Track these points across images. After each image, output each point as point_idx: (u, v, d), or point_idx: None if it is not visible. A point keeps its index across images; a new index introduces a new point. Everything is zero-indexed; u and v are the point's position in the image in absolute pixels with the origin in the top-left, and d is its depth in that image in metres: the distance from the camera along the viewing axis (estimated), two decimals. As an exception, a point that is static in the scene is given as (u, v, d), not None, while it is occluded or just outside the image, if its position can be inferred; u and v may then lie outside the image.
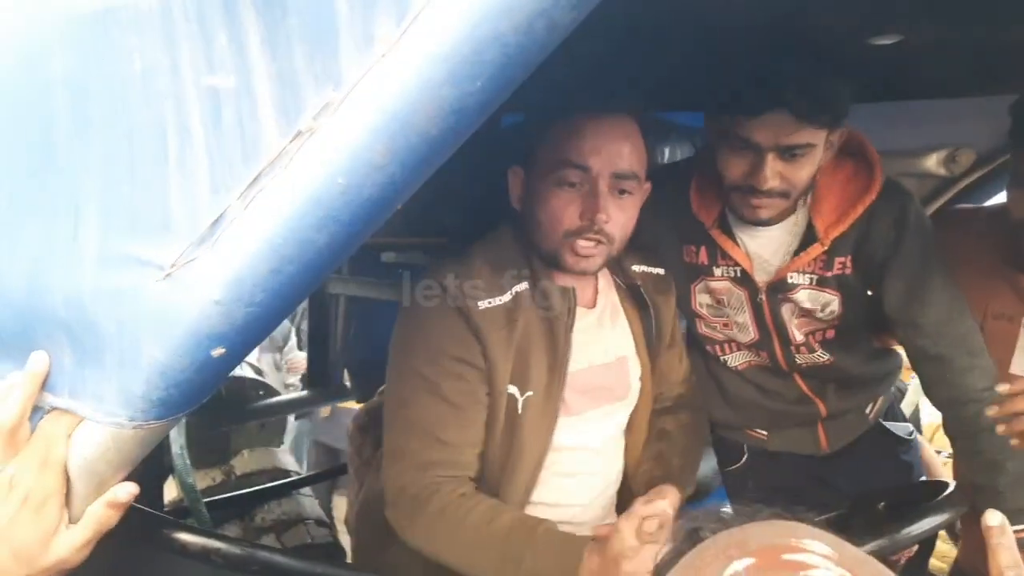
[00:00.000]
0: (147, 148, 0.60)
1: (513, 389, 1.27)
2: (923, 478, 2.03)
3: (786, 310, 1.55)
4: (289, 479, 2.17)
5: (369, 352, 2.46)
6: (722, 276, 1.55)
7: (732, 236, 1.50)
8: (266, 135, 0.54)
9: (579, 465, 1.37)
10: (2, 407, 0.70)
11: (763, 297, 1.53)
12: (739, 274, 1.53)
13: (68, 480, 0.70)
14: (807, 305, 1.53)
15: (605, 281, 1.43)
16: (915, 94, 1.75)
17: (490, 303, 1.25)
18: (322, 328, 2.53)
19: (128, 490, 0.72)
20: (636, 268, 1.44)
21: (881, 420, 1.89)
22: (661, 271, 1.48)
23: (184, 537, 0.96)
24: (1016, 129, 1.34)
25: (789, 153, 1.29)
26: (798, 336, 1.58)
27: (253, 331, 0.58)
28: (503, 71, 0.45)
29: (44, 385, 0.70)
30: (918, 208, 1.44)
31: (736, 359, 1.70)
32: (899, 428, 1.91)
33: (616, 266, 1.42)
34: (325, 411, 3.69)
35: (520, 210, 1.30)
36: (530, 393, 1.27)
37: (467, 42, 0.44)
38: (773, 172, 1.30)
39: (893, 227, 1.42)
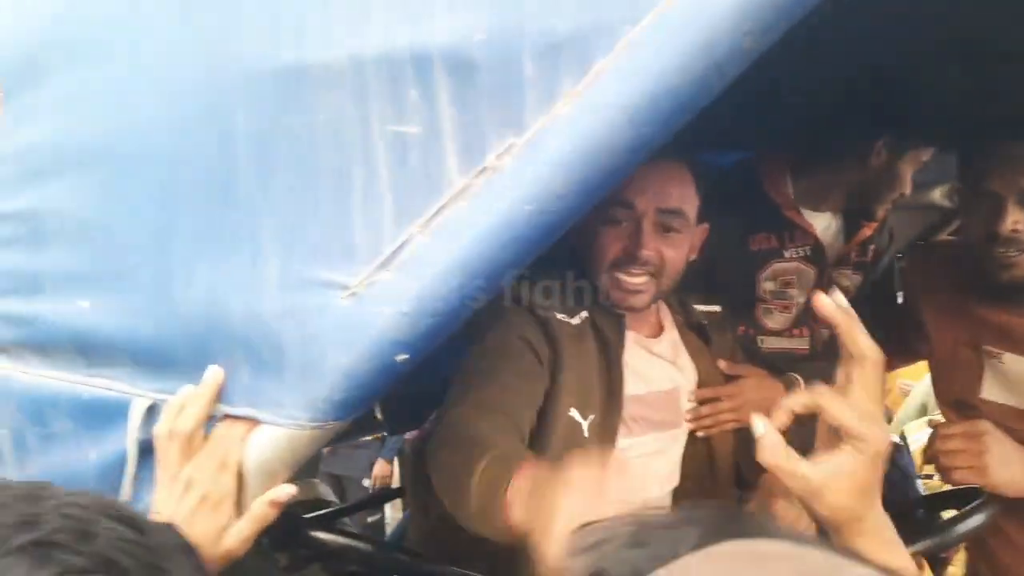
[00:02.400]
0: (330, 188, 0.71)
1: (574, 413, 1.31)
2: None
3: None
4: (335, 508, 2.24)
5: (400, 385, 2.53)
6: (791, 257, 1.71)
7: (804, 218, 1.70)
8: (449, 174, 0.65)
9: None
10: (180, 416, 0.80)
11: (828, 271, 1.72)
12: (809, 253, 1.70)
13: (241, 481, 0.79)
14: (847, 284, 1.74)
15: (668, 320, 1.49)
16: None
17: (565, 318, 1.33)
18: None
19: (288, 490, 0.81)
20: (699, 308, 1.52)
21: None
22: (718, 308, 1.56)
23: (324, 536, 1.05)
24: (964, 150, 1.47)
25: None
26: None
27: (434, 338, 0.69)
28: (675, 116, 0.56)
29: (218, 397, 0.80)
30: None
31: (774, 342, 1.80)
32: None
33: (679, 306, 1.50)
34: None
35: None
36: (593, 417, 1.31)
37: (646, 95, 0.56)
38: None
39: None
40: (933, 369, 1.71)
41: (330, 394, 0.72)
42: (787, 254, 1.71)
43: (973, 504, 1.37)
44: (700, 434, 1.45)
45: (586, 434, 1.31)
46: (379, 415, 2.71)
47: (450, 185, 0.65)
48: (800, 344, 1.81)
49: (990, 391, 1.52)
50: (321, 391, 0.72)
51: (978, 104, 1.49)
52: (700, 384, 1.47)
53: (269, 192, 0.75)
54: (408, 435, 3.74)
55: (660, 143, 0.59)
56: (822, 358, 1.76)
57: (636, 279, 1.30)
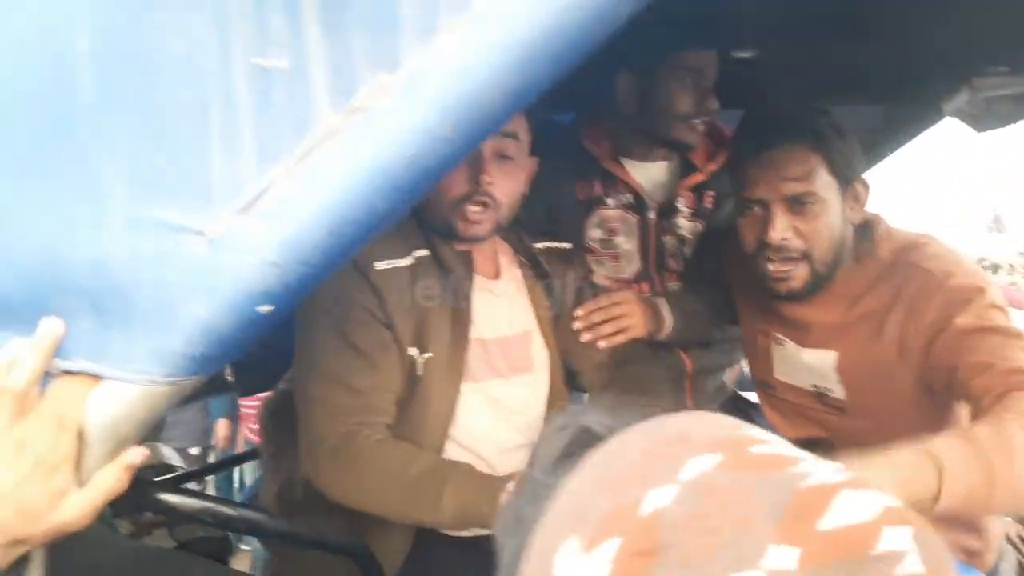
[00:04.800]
0: (184, 123, 0.65)
1: (413, 351, 1.31)
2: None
3: (668, 240, 1.82)
4: (180, 472, 2.14)
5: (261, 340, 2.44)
6: (615, 205, 1.77)
7: (623, 167, 1.76)
8: (318, 112, 0.61)
9: (488, 443, 1.41)
10: (12, 372, 0.72)
11: (652, 219, 1.78)
12: (631, 200, 1.77)
13: (82, 443, 0.73)
14: (684, 233, 1.81)
15: (507, 257, 1.51)
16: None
17: (389, 264, 1.31)
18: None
19: (141, 452, 0.76)
20: (539, 245, 1.55)
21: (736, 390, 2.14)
22: (567, 245, 1.61)
23: (175, 499, 0.99)
24: (731, 150, 1.54)
25: None
26: (672, 264, 1.84)
27: (303, 289, 0.65)
28: (563, 59, 0.55)
29: (56, 351, 0.73)
30: None
31: None
32: (752, 396, 2.14)
33: (518, 243, 1.52)
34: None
35: None
36: (430, 354, 1.31)
37: (531, 34, 0.54)
38: None
39: None
40: (744, 347, 1.82)
41: (186, 348, 0.67)
42: (609, 202, 1.78)
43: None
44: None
45: (419, 372, 1.31)
46: (229, 376, 2.61)
47: (319, 125, 0.61)
48: None
49: (780, 372, 1.63)
50: (176, 344, 0.67)
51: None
52: (539, 321, 1.51)
53: (115, 126, 0.68)
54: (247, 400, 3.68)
55: (549, 85, 0.57)
56: (675, 294, 1.84)
57: (479, 211, 1.32)
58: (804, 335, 1.55)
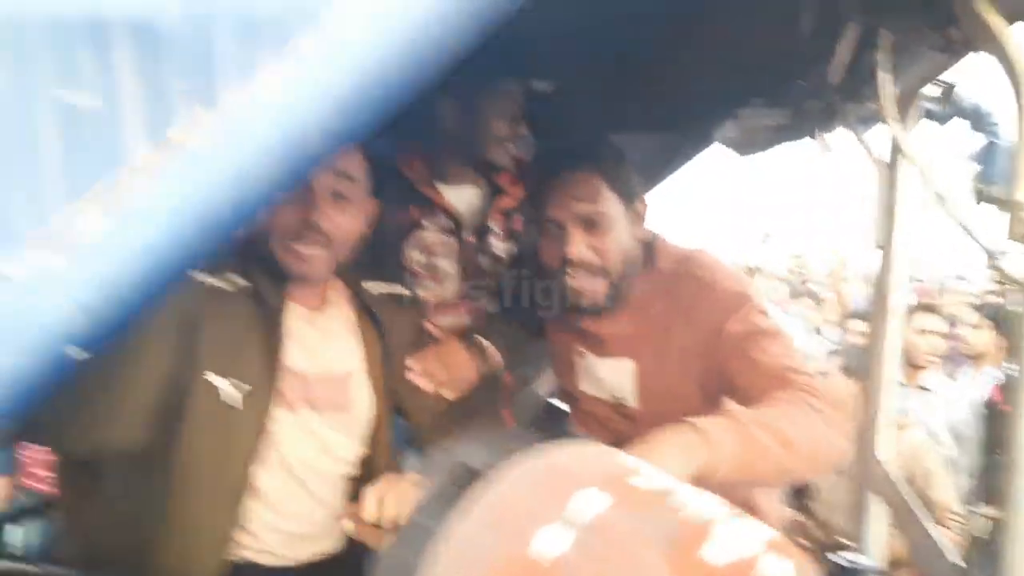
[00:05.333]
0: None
1: (212, 376, 1.25)
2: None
3: (483, 261, 1.92)
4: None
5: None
6: (433, 228, 1.87)
7: (438, 192, 1.85)
8: (130, 148, 0.60)
9: (309, 471, 1.38)
10: None
11: (469, 241, 1.89)
12: (448, 223, 1.87)
13: None
14: (499, 253, 1.92)
15: (339, 294, 1.50)
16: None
17: (211, 280, 1.28)
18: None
19: None
20: (373, 288, 1.55)
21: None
22: (401, 290, 1.63)
23: None
24: (531, 175, 1.69)
25: None
26: (489, 284, 1.93)
27: (114, 328, 0.63)
28: (381, 103, 0.57)
29: None
30: None
31: (441, 321, 1.92)
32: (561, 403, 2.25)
33: (356, 286, 1.52)
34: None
35: None
36: (234, 380, 1.26)
37: (351, 78, 0.56)
38: None
39: None
40: (551, 360, 1.91)
41: (-17, 395, 0.63)
42: (427, 224, 1.87)
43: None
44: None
45: (222, 398, 1.26)
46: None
47: (130, 161, 0.60)
48: (460, 320, 1.95)
49: (584, 385, 1.75)
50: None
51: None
52: (368, 364, 1.49)
53: None
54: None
55: (368, 126, 0.60)
56: (488, 328, 1.90)
57: (310, 249, 1.30)
58: (602, 346, 1.66)
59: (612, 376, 1.66)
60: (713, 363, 1.47)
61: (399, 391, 1.59)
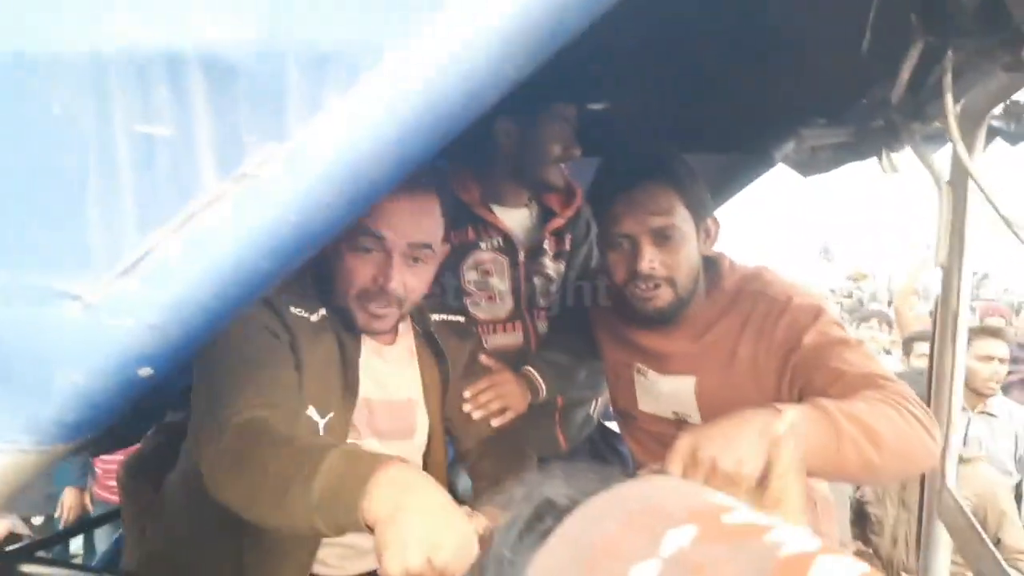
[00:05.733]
0: (62, 188, 0.64)
1: (313, 411, 1.32)
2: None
3: (537, 281, 1.95)
4: (37, 539, 1.99)
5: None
6: (488, 248, 1.89)
7: (493, 213, 1.88)
8: (202, 179, 0.62)
9: None
10: None
11: (522, 260, 1.91)
12: (501, 244, 1.89)
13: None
14: (551, 273, 1.95)
15: (404, 325, 1.53)
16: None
17: (301, 312, 1.32)
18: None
19: (7, 526, 0.73)
20: (435, 317, 1.58)
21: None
22: (460, 319, 1.64)
23: (34, 570, 0.93)
24: (594, 192, 1.64)
25: None
26: (541, 302, 1.97)
27: (184, 351, 0.65)
28: (443, 132, 0.59)
29: None
30: None
31: (495, 340, 1.94)
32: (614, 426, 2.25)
33: (419, 316, 1.55)
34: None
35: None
36: (331, 416, 1.32)
37: (413, 113, 0.57)
38: None
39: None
40: (607, 380, 1.90)
41: (60, 415, 0.66)
42: (483, 245, 1.90)
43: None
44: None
45: (321, 432, 1.31)
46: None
47: (203, 191, 0.62)
48: (514, 339, 1.95)
49: (644, 403, 1.73)
50: (49, 412, 0.65)
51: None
52: (425, 390, 1.53)
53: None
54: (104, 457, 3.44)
55: (426, 157, 0.61)
56: (542, 349, 1.91)
57: (384, 310, 1.34)
58: (664, 363, 1.65)
59: (673, 392, 1.64)
60: (792, 377, 1.45)
61: (451, 417, 1.62)
